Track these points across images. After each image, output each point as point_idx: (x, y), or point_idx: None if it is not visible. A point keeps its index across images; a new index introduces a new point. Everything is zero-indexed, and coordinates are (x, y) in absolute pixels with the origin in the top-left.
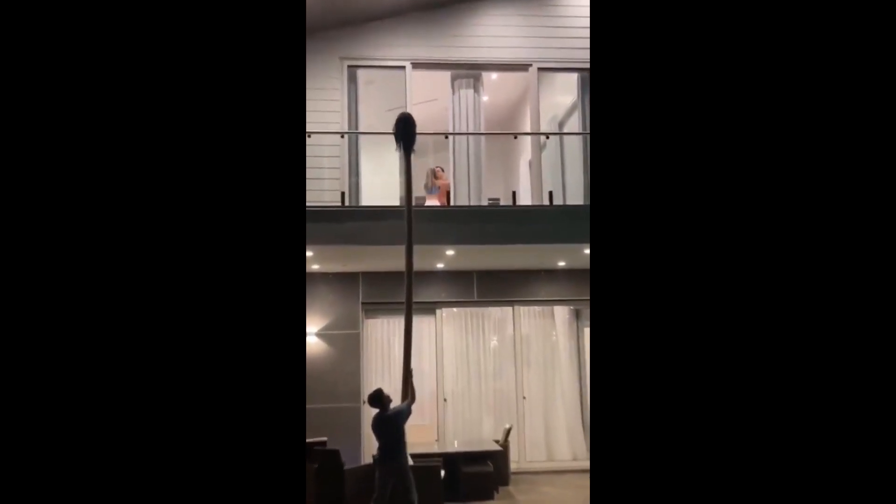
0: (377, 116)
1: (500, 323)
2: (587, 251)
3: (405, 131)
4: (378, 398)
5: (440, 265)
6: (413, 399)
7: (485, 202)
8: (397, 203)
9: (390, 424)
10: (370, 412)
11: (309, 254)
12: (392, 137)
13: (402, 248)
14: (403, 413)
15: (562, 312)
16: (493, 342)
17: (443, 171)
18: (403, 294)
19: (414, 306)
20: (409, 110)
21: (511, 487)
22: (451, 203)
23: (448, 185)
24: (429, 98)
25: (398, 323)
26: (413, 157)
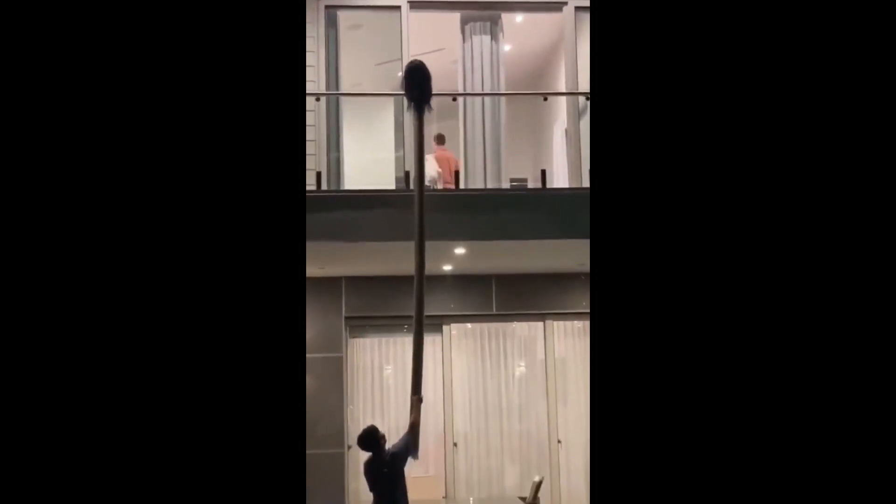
0: (365, 72)
1: (527, 343)
2: None
3: (419, 84)
4: (371, 438)
5: (447, 267)
6: (415, 433)
7: (506, 184)
8: (392, 186)
9: (387, 470)
10: (356, 459)
11: None
12: (385, 100)
13: (397, 246)
14: (401, 454)
15: None
16: (519, 368)
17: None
18: (398, 306)
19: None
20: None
21: None
22: (461, 185)
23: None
24: (432, 48)
25: (393, 343)
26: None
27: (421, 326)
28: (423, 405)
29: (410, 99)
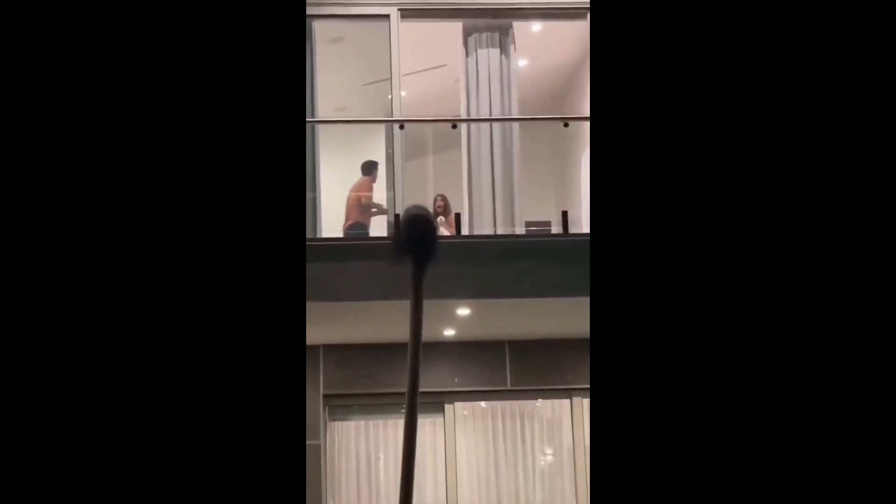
0: (348, 95)
1: (551, 426)
2: None
3: (420, 238)
4: None
5: (449, 332)
6: None
7: (520, 229)
8: (382, 233)
9: None
10: None
11: None
12: (373, 128)
13: (388, 305)
14: None
15: None
16: (544, 458)
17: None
18: (390, 380)
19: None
20: (403, 118)
21: None
22: (465, 231)
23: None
24: (430, 64)
25: (384, 427)
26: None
27: (414, 410)
28: None
29: (407, 253)
